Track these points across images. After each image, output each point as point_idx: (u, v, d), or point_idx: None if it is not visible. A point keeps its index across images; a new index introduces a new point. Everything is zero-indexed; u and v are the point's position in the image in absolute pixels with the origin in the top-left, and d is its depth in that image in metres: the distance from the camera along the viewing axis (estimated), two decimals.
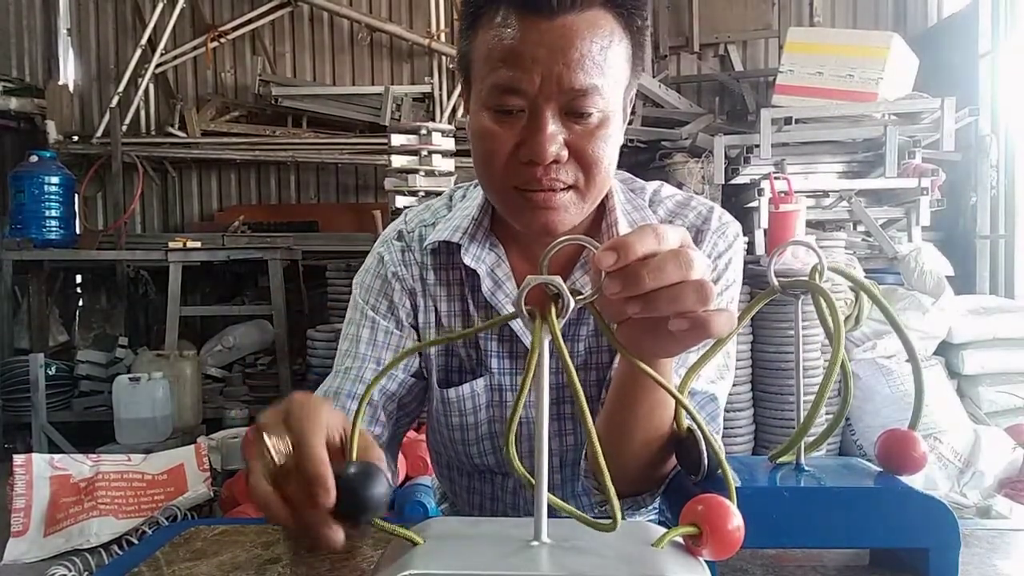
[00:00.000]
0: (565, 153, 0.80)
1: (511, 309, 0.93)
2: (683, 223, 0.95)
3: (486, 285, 0.93)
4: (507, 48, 0.78)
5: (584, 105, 0.79)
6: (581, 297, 0.52)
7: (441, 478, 1.08)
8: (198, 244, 4.19)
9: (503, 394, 0.95)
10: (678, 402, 0.69)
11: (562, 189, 0.82)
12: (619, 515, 0.47)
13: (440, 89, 5.04)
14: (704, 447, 0.63)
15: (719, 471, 0.64)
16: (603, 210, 0.93)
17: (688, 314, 0.53)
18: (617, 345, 0.57)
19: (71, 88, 5.18)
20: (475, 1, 0.82)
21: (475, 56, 0.84)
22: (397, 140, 3.60)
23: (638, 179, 1.01)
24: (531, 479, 0.49)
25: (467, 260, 0.94)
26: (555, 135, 0.79)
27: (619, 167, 0.93)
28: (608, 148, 0.82)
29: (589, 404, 0.48)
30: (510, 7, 0.79)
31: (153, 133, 5.19)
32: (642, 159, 4.46)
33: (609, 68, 0.79)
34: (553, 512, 0.48)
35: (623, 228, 0.92)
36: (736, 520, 0.48)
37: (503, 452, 0.97)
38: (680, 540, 0.48)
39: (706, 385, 0.89)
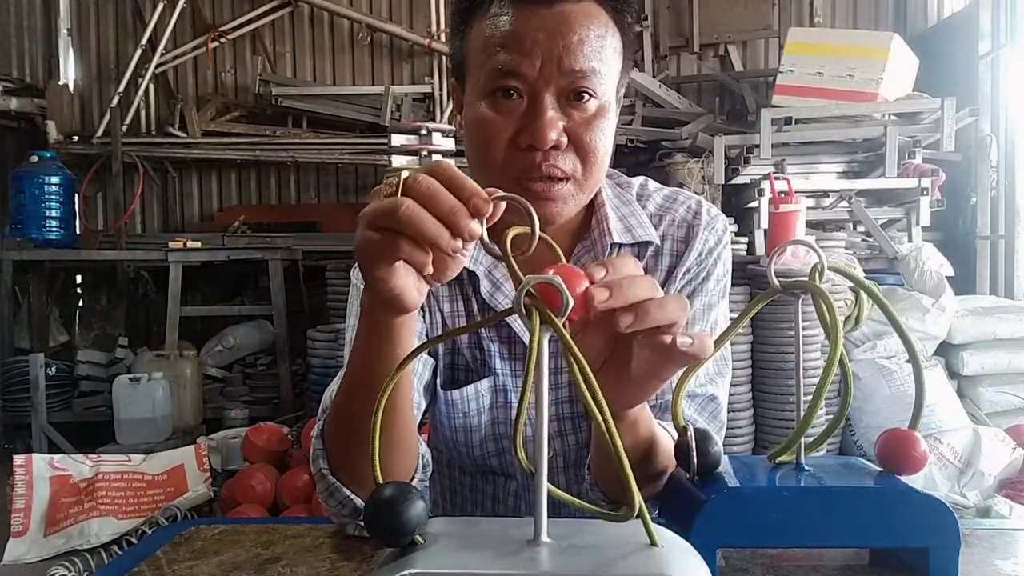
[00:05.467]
0: (564, 140, 0.80)
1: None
2: (673, 217, 0.96)
3: (484, 287, 0.93)
4: (506, 33, 0.79)
5: (584, 86, 0.80)
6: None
7: (441, 477, 1.06)
8: (198, 244, 4.20)
9: (507, 395, 0.94)
10: (674, 401, 0.70)
11: (561, 179, 0.82)
12: (638, 504, 0.47)
13: (440, 89, 5.03)
14: (694, 446, 0.64)
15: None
16: (593, 206, 0.94)
17: (674, 327, 0.56)
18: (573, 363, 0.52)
19: (71, 88, 5.17)
20: None
21: (471, 48, 0.84)
22: (397, 140, 3.60)
23: (623, 175, 1.02)
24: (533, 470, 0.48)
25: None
26: (554, 120, 0.79)
27: (619, 167, 0.93)
28: (604, 138, 0.83)
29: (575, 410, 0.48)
30: None
31: (153, 133, 5.19)
32: (642, 159, 4.46)
33: (605, 57, 0.81)
34: (553, 511, 0.48)
35: (613, 223, 0.93)
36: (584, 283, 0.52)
37: (507, 454, 0.96)
38: (679, 537, 0.48)
39: (705, 384, 0.89)
